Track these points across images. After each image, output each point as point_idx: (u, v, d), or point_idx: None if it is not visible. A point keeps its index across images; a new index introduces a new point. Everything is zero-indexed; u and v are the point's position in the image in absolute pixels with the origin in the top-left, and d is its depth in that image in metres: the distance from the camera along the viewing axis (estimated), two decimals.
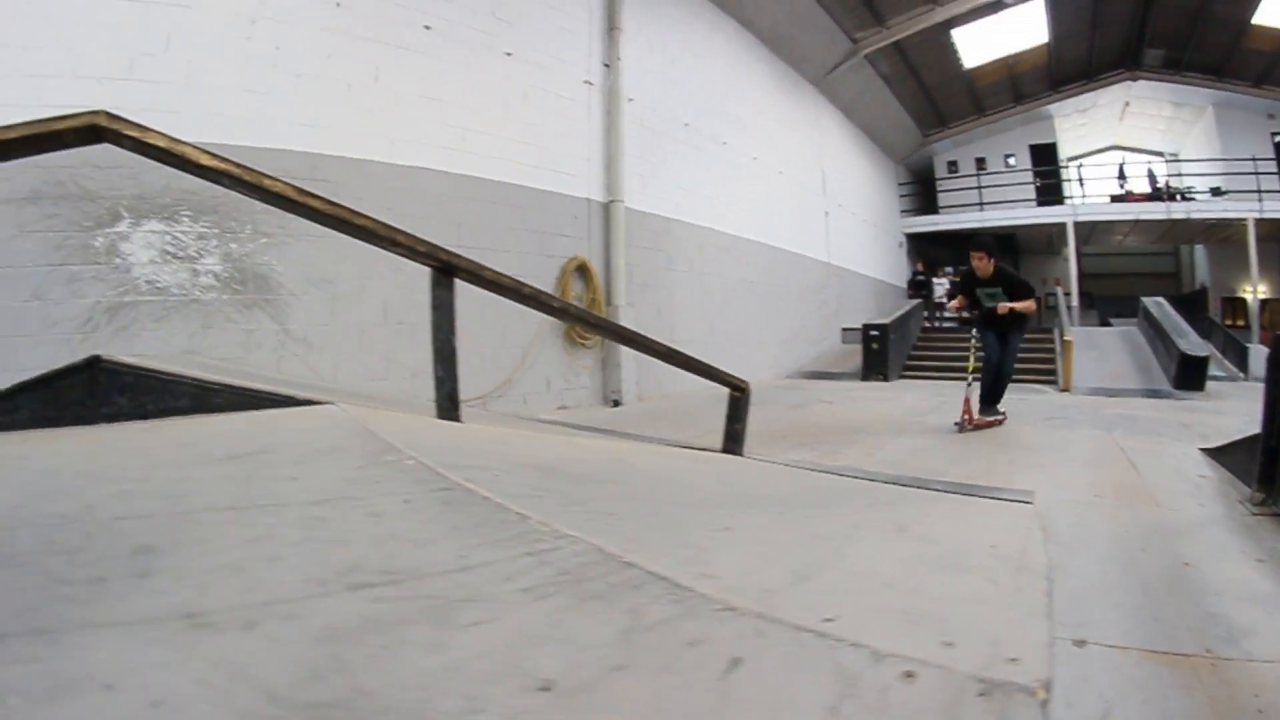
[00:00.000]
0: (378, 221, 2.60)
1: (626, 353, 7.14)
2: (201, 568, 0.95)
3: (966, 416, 5.64)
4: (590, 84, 7.38)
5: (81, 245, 4.72)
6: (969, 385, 5.79)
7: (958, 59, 15.13)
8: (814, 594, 1.01)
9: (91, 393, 2.42)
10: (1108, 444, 5.08)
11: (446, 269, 2.76)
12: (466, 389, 6.05)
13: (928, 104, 16.89)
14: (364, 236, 2.61)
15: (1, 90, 4.61)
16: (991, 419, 5.78)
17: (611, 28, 7.58)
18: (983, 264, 5.72)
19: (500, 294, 3.14)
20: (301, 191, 2.46)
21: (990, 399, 5.83)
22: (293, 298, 5.19)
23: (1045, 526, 1.80)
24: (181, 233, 4.95)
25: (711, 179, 9.34)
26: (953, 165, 19.08)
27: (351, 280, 5.35)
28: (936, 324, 15.60)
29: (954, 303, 6.35)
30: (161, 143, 2.28)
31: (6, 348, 4.46)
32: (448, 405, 2.74)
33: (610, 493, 1.86)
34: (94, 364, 2.42)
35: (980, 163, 18.72)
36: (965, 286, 5.99)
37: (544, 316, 5.74)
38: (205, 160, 2.33)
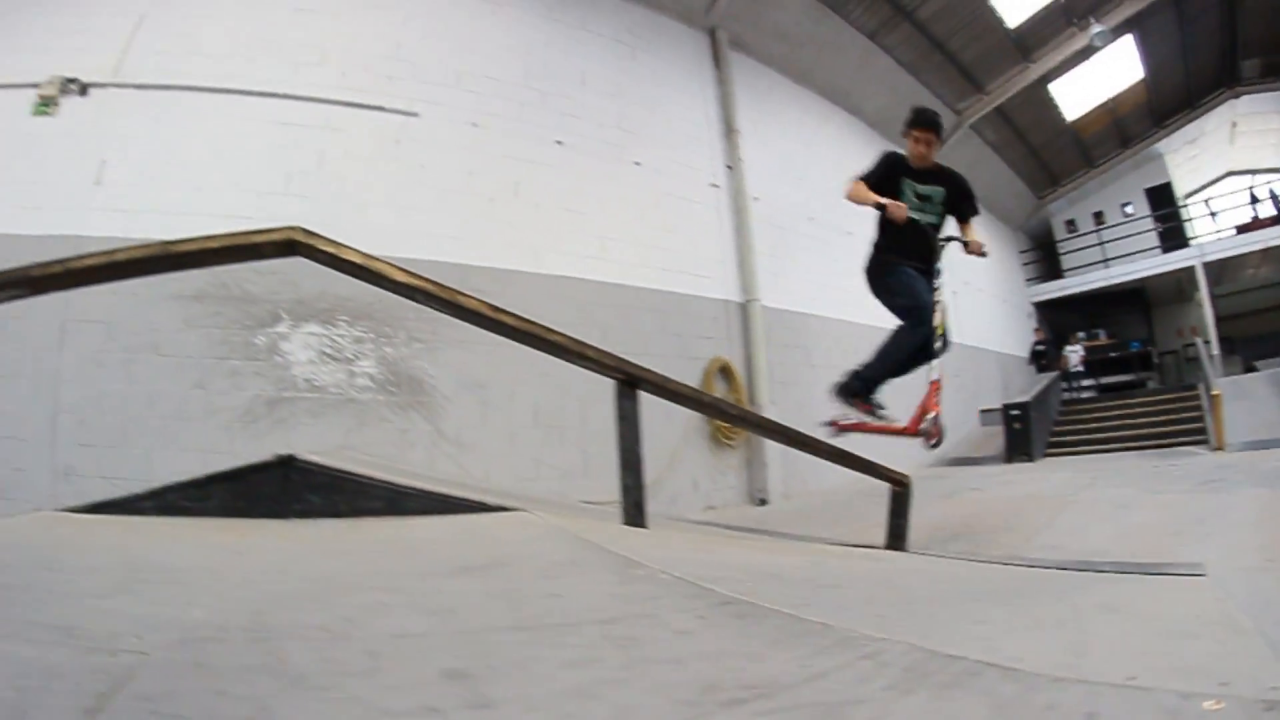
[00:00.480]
0: (568, 337, 2.76)
1: (772, 451, 7.22)
2: (543, 695, 0.94)
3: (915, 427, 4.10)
4: (716, 186, 7.75)
5: (244, 342, 5.27)
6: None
7: (1059, 114, 14.95)
8: (1102, 660, 1.19)
9: (284, 488, 2.55)
10: (1272, 502, 4.77)
11: (631, 381, 2.89)
12: (616, 488, 6.04)
13: (1037, 165, 16.60)
14: (555, 351, 2.77)
15: (172, 201, 5.46)
16: (874, 420, 4.02)
17: (729, 130, 8.00)
18: (926, 150, 4.06)
19: (681, 404, 3.27)
20: (495, 309, 2.62)
21: (877, 377, 4.01)
22: (446, 400, 5.52)
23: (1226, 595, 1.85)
24: (339, 335, 5.43)
25: (839, 270, 9.37)
26: (1071, 224, 18.42)
27: (503, 385, 5.68)
28: (1074, 393, 14.81)
29: (855, 188, 4.09)
30: (356, 259, 2.45)
31: (170, 430, 5.04)
32: (635, 512, 2.78)
33: (851, 596, 1.88)
34: (288, 462, 2.56)
35: (1098, 217, 18.00)
36: (885, 175, 4.09)
37: (690, 417, 5.83)
38: (400, 277, 2.48)
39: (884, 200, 3.88)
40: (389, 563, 1.86)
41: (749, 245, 7.74)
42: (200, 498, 2.49)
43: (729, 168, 7.88)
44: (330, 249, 2.41)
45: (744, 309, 7.66)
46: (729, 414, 3.66)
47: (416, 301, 2.54)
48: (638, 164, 6.96)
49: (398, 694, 0.92)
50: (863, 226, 9.68)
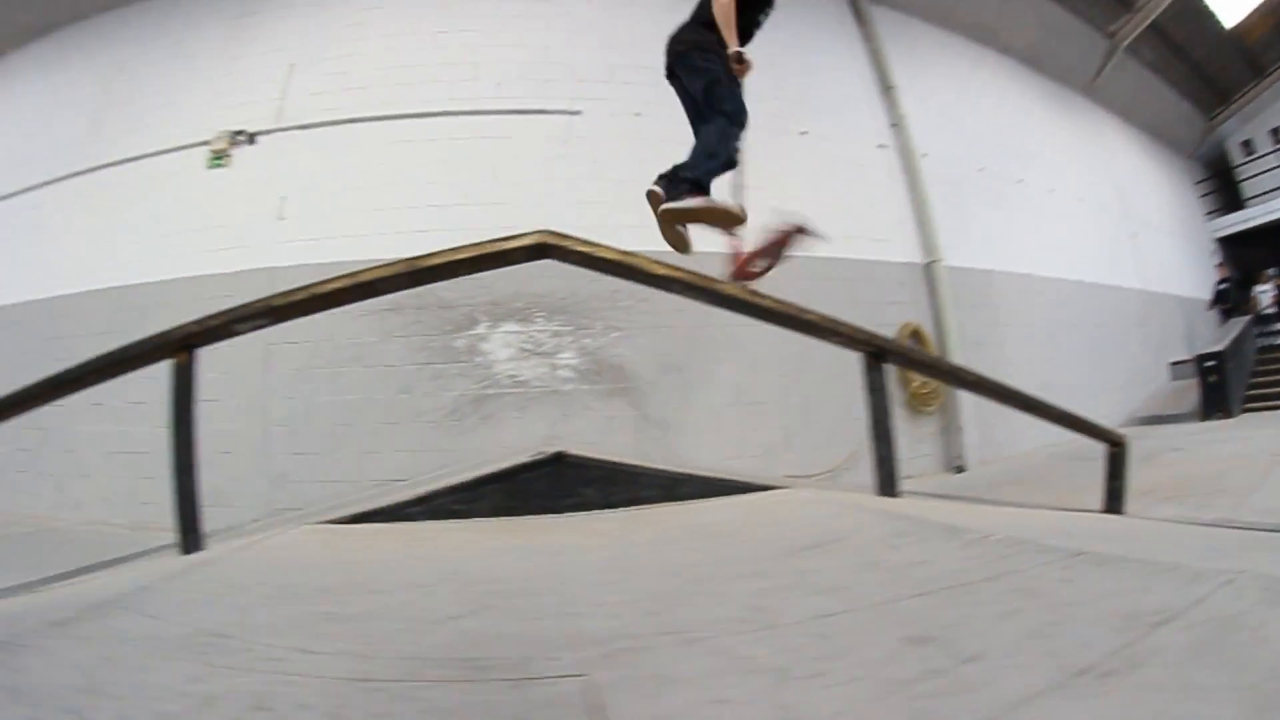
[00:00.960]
0: (821, 315, 2.88)
1: (968, 417, 7.12)
2: (1003, 643, 1.03)
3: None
4: (884, 147, 7.58)
5: (443, 346, 5.60)
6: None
7: (1217, 22, 13.50)
8: None
9: (557, 484, 2.61)
10: None
11: (879, 353, 2.95)
12: (818, 462, 5.82)
13: (1201, 82, 15.13)
14: (808, 329, 2.90)
15: (353, 225, 5.96)
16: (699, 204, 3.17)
17: (886, 88, 7.85)
18: None
19: (927, 374, 3.20)
20: (751, 293, 2.76)
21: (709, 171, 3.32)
22: (648, 385, 5.51)
23: None
24: (537, 331, 5.69)
25: (1015, 221, 9.14)
26: (1247, 145, 16.58)
27: (701, 366, 5.77)
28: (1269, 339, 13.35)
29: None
30: (612, 256, 2.55)
31: (379, 434, 5.44)
32: (888, 483, 2.81)
33: (1139, 548, 1.86)
34: (559, 459, 2.66)
35: (1276, 134, 16.16)
36: None
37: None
38: (658, 270, 2.59)
39: (744, 51, 3.49)
40: (723, 549, 1.86)
41: (925, 203, 7.52)
42: (470, 499, 2.56)
43: (893, 126, 7.69)
44: (584, 249, 2.48)
45: (927, 270, 7.44)
46: (967, 380, 3.56)
47: (672, 292, 2.64)
48: (804, 133, 6.89)
49: (887, 665, 0.97)
50: (1032, 173, 9.29)
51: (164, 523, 6.14)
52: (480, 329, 5.64)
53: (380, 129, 6.45)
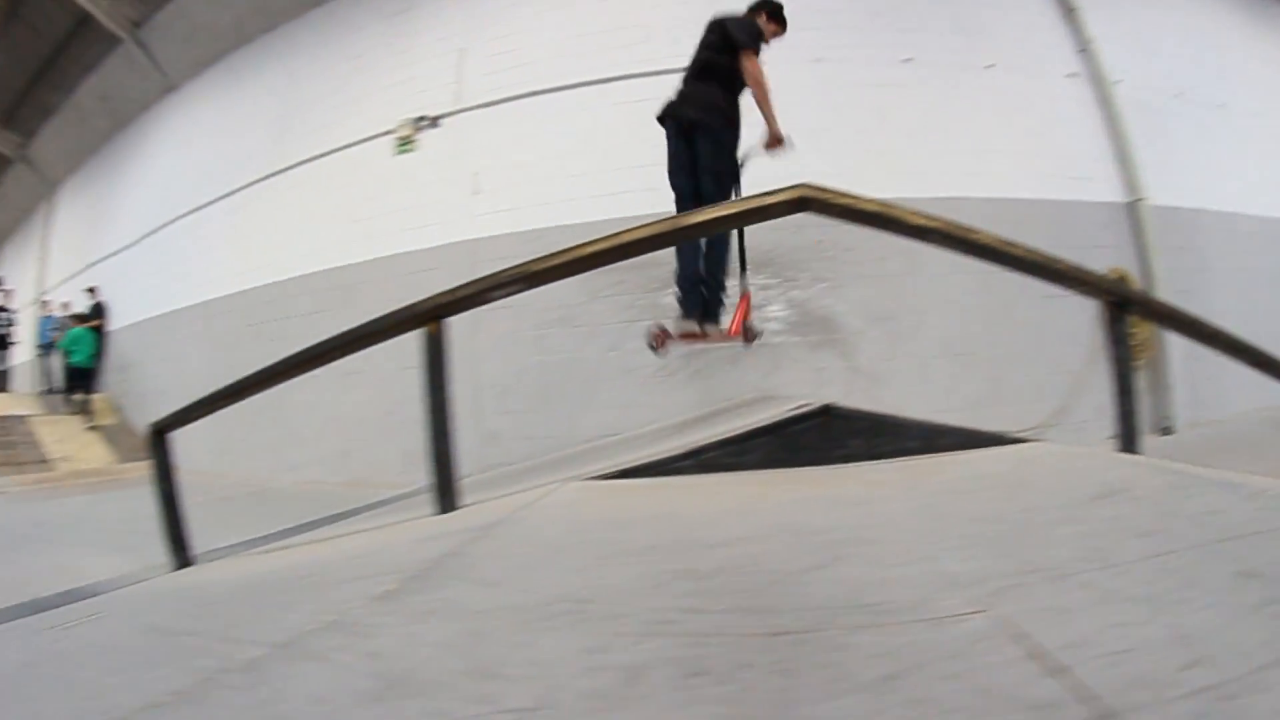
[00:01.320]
0: (1067, 264, 2.81)
1: (1177, 374, 6.80)
2: None
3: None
4: (1074, 75, 7.15)
5: (650, 304, 5.77)
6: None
7: None
8: None
9: (826, 436, 2.62)
10: None
11: (1121, 303, 2.89)
12: (1025, 416, 5.56)
13: None
14: (1055, 278, 2.85)
15: (548, 193, 6.29)
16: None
17: (1068, 10, 7.30)
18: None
19: (1167, 326, 3.17)
20: (1005, 242, 2.69)
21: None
22: (856, 336, 5.46)
23: None
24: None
25: (1219, 153, 8.32)
26: None
27: (910, 316, 5.77)
28: None
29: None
30: (872, 207, 2.53)
31: (588, 391, 5.75)
32: (1130, 438, 2.75)
33: None
34: (827, 411, 2.65)
35: None
36: None
37: (1096, 339, 5.50)
38: (916, 220, 2.55)
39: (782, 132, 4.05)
40: (1018, 498, 1.86)
41: (1123, 136, 7.04)
42: (740, 453, 2.59)
43: (1081, 52, 7.21)
44: (845, 201, 2.47)
45: (1131, 210, 6.99)
46: (1205, 334, 3.40)
47: (929, 242, 2.61)
48: (990, 66, 6.60)
49: (1233, 594, 1.05)
50: (1235, 97, 8.51)
51: (374, 480, 6.76)
52: None
53: (561, 99, 6.72)
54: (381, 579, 1.56)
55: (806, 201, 2.45)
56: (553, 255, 2.66)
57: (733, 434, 2.64)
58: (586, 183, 6.20)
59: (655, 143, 6.05)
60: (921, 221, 2.57)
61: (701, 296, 4.05)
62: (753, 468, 2.52)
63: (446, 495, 2.66)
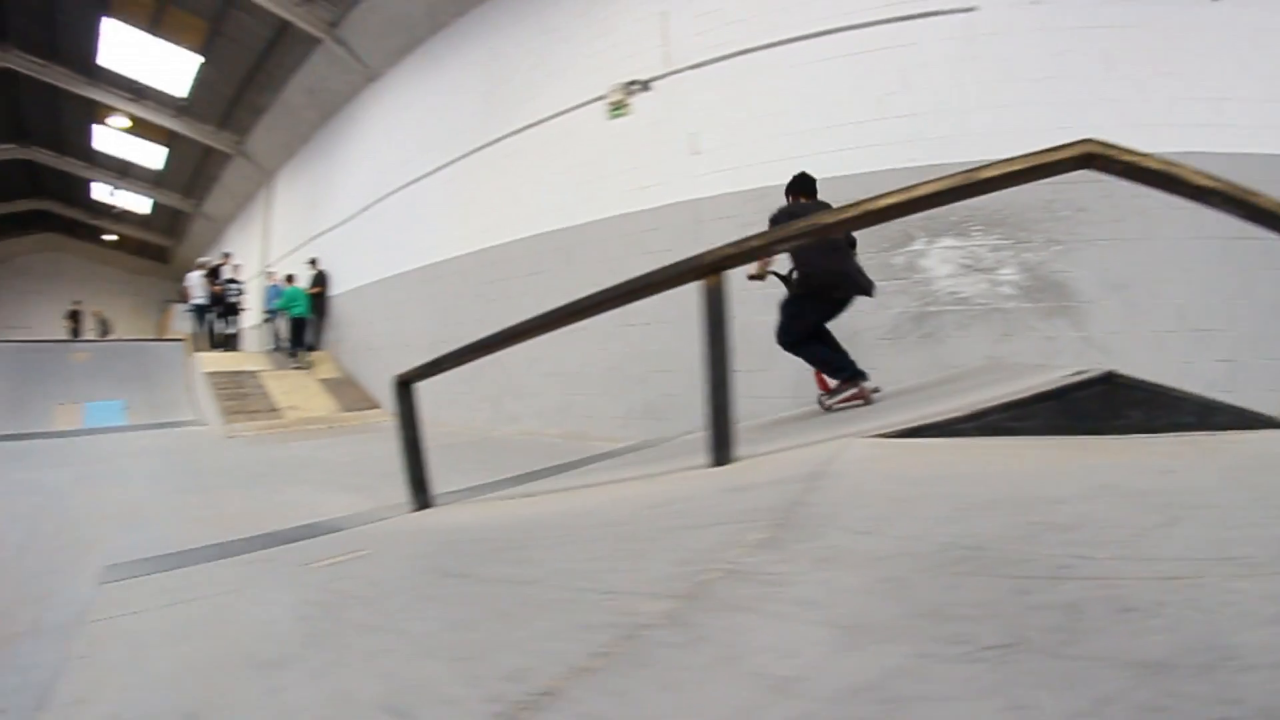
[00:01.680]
0: None
1: None
2: None
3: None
4: None
5: (881, 264, 5.72)
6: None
7: None
8: None
9: (1107, 405, 2.55)
10: None
11: None
12: (1266, 403, 5.17)
13: None
14: None
15: (768, 150, 6.45)
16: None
17: None
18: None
19: None
20: None
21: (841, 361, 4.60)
22: (1089, 304, 5.37)
23: None
24: (975, 246, 5.67)
25: None
26: None
27: (1145, 284, 5.43)
28: None
29: None
30: (1156, 165, 2.43)
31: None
32: None
33: None
34: (1109, 379, 2.58)
35: None
36: None
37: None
38: (1199, 180, 2.42)
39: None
40: None
41: None
42: (1022, 417, 2.59)
43: None
44: (1129, 158, 2.42)
45: None
46: None
47: (1209, 205, 2.47)
48: None
49: None
50: None
51: (593, 433, 7.26)
52: (918, 245, 5.76)
53: (773, 55, 6.80)
54: (732, 528, 1.58)
55: (1091, 158, 2.43)
56: (846, 207, 2.77)
57: (1016, 397, 2.64)
58: (807, 139, 6.25)
59: (879, 100, 6.06)
60: (1204, 182, 2.48)
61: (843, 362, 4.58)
62: (1034, 433, 2.52)
63: (723, 448, 2.72)
